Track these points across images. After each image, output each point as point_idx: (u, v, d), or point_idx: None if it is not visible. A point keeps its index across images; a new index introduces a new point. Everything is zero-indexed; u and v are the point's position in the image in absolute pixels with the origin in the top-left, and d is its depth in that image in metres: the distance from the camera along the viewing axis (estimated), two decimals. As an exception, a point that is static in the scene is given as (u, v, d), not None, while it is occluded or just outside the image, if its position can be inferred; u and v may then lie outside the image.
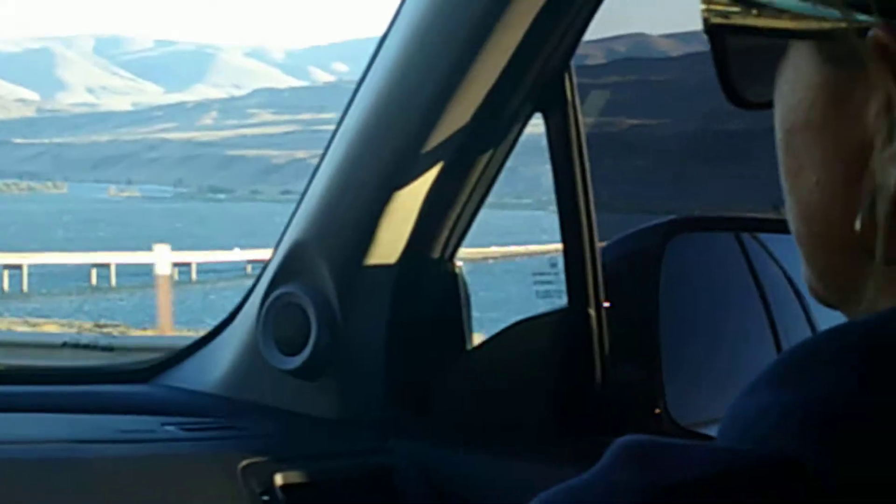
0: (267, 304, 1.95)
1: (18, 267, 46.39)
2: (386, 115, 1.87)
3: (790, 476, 0.60)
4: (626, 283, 1.87)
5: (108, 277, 46.96)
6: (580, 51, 1.98)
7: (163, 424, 1.98)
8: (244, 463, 1.83)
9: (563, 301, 1.87)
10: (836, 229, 0.70)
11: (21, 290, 46.24)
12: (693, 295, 1.98)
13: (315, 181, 1.95)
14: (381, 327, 1.93)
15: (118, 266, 47.96)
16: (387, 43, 1.87)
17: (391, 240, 1.90)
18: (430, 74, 1.82)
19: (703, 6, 0.74)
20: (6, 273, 42.71)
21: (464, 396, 1.95)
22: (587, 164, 1.82)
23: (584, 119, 1.98)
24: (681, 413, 1.78)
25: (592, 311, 1.81)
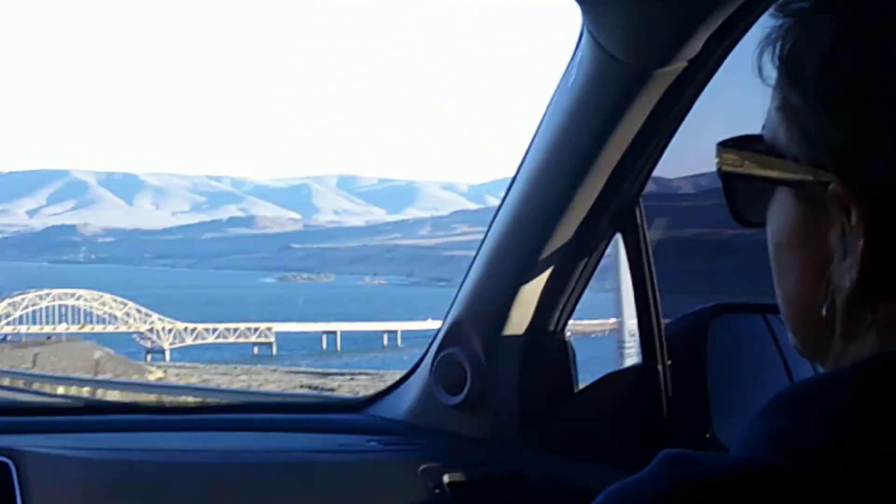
0: (437, 360, 2.30)
1: (333, 332, 57.78)
2: (515, 231, 2.18)
3: (774, 478, 0.73)
4: (683, 348, 2.11)
5: (387, 339, 56.35)
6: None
7: (368, 441, 2.33)
8: (423, 467, 2.18)
9: (638, 360, 2.16)
10: (809, 314, 0.84)
11: (336, 348, 54.70)
12: (732, 356, 2.17)
13: (468, 278, 2.28)
14: (515, 377, 2.22)
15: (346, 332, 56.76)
16: (515, 182, 2.18)
17: (520, 318, 2.22)
18: (545, 204, 2.13)
19: (717, 159, 0.89)
20: (324, 336, 55.63)
21: (572, 424, 2.22)
22: (653, 269, 2.10)
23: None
24: (724, 438, 1.99)
25: (660, 367, 2.09)
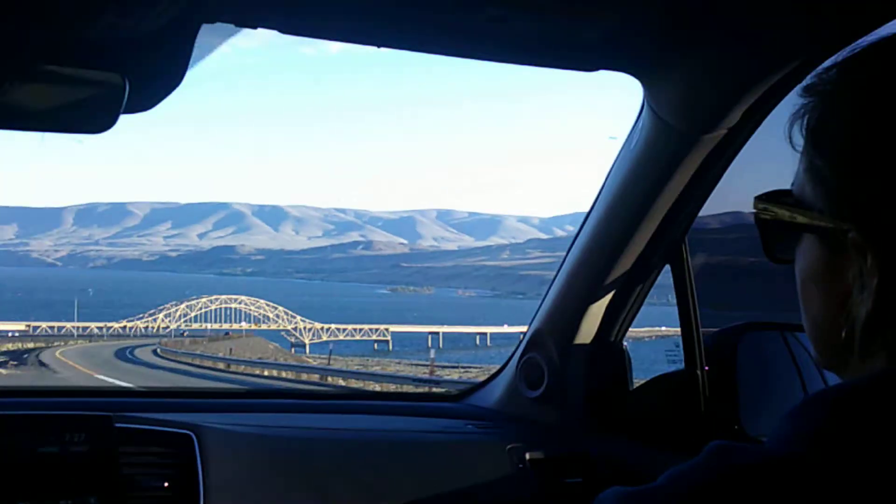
0: (521, 362, 2.32)
1: (437, 333, 58.78)
2: (585, 262, 2.17)
3: (802, 467, 0.73)
4: (718, 357, 2.06)
5: (484, 339, 55.18)
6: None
7: (466, 425, 2.32)
8: (509, 446, 2.18)
9: (681, 366, 2.10)
10: (831, 337, 0.83)
11: (439, 346, 54.40)
12: (756, 364, 2.08)
13: (546, 297, 2.29)
14: (582, 377, 2.23)
15: (446, 333, 56.76)
16: (587, 222, 2.17)
17: (588, 330, 2.22)
18: (610, 240, 2.12)
19: (755, 209, 0.88)
20: (430, 337, 55.91)
21: (627, 416, 2.20)
22: (695, 292, 2.08)
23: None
24: (750, 430, 1.93)
25: (699, 373, 2.07)
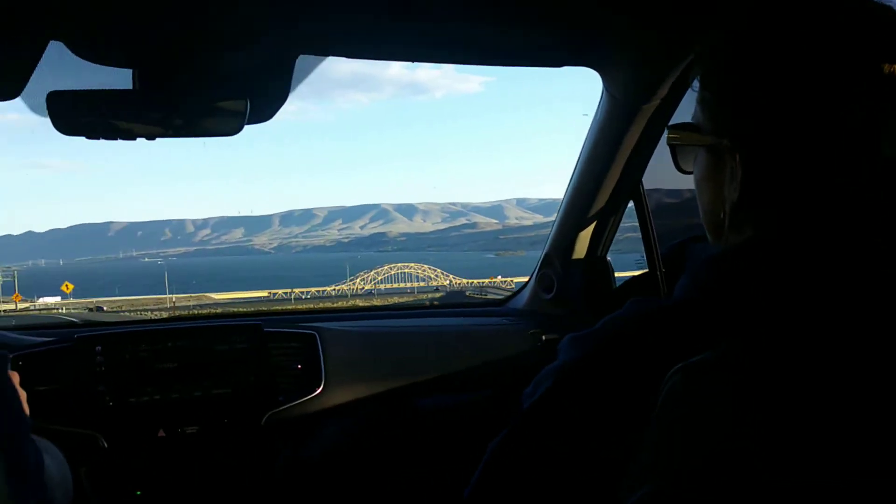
0: (539, 276, 2.27)
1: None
2: (575, 203, 2.12)
3: (688, 304, 0.73)
4: (671, 261, 1.94)
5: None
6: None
7: (504, 319, 2.26)
8: (531, 331, 2.14)
9: (646, 269, 2.03)
10: (714, 216, 0.81)
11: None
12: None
13: (551, 232, 2.23)
14: (580, 282, 2.16)
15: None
16: (573, 177, 2.10)
17: (580, 250, 2.16)
18: (589, 186, 2.05)
19: (667, 136, 0.84)
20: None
21: (612, 305, 2.24)
22: (652, 220, 2.01)
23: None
24: None
25: (658, 273, 1.99)
